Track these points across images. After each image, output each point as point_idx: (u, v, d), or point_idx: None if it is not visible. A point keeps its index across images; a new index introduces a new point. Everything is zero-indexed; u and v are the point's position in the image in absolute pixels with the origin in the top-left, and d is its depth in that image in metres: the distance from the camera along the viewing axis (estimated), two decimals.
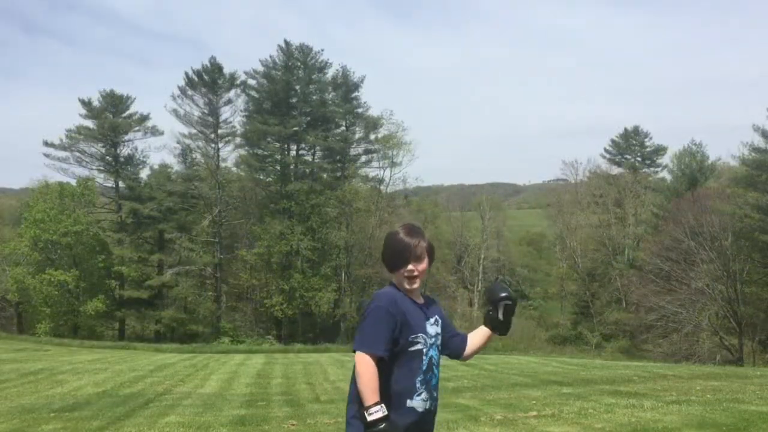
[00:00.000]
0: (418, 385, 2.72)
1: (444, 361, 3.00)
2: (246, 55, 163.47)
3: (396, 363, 2.70)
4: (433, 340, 2.83)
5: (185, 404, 11.27)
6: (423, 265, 2.82)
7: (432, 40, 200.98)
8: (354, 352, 2.69)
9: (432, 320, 2.86)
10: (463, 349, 3.04)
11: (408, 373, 2.70)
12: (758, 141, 39.39)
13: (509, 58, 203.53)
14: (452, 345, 3.02)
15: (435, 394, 2.82)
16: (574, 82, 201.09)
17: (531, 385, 13.30)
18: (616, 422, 8.10)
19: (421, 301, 2.89)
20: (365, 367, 2.63)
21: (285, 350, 34.16)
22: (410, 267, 2.78)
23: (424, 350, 2.76)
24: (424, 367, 2.75)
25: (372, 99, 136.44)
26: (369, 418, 2.56)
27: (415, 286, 2.82)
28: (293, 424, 8.55)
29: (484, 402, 10.58)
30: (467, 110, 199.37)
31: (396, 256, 2.80)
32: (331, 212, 45.01)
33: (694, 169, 48.69)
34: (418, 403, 2.72)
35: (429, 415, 2.78)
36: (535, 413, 9.03)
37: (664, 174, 60.15)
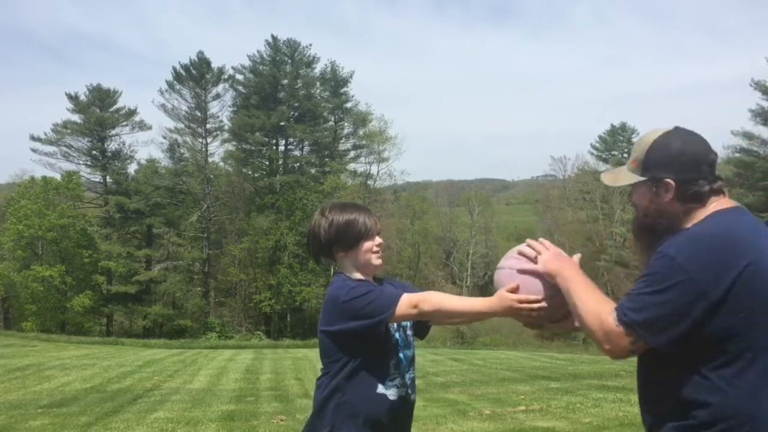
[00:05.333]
0: (392, 369, 2.41)
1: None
2: (234, 50, 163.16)
3: (364, 347, 2.39)
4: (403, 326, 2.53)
5: (174, 400, 11.26)
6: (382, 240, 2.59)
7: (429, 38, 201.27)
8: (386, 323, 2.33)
9: None
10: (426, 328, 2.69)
11: (377, 356, 2.40)
12: (741, 139, 39.66)
13: (508, 59, 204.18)
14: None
15: (407, 381, 2.47)
16: (567, 85, 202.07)
17: (519, 380, 13.37)
18: (603, 417, 8.17)
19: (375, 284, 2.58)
20: (430, 295, 2.37)
21: (274, 345, 34.13)
22: (378, 240, 2.52)
23: (391, 329, 2.46)
24: (391, 349, 2.45)
25: (362, 93, 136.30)
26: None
27: (381, 261, 2.55)
28: (282, 419, 8.56)
29: (472, 397, 10.63)
30: (457, 107, 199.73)
31: (361, 229, 2.49)
32: (312, 206, 44.49)
33: None
34: (390, 389, 2.40)
35: (405, 404, 2.46)
36: (523, 408, 9.09)
37: None
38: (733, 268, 1.78)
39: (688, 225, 1.94)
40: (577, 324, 2.06)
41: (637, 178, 2.03)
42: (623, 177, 2.08)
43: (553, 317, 2.16)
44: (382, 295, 2.36)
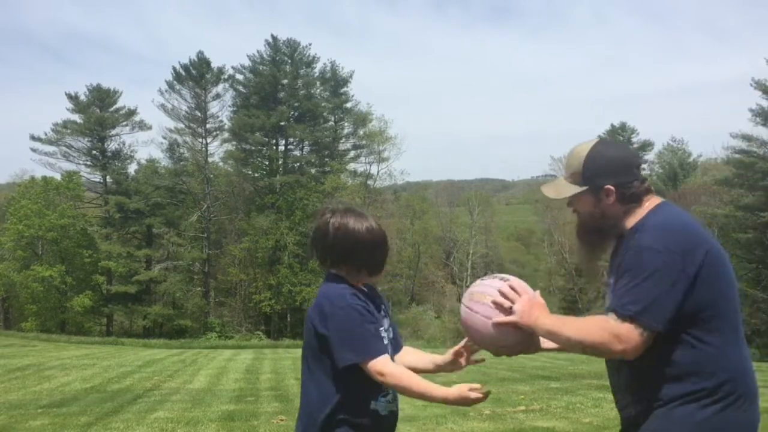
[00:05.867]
0: (384, 386, 2.36)
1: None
2: (234, 50, 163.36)
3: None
4: (385, 333, 2.46)
5: (174, 400, 11.25)
6: None
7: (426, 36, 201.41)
8: (358, 364, 2.28)
9: (383, 312, 2.50)
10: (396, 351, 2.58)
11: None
12: (741, 141, 39.68)
13: (508, 59, 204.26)
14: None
15: (396, 395, 2.47)
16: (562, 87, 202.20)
17: (519, 380, 13.36)
18: (603, 416, 8.17)
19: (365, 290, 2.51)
20: (399, 371, 2.31)
21: (274, 345, 34.14)
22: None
23: (388, 346, 2.42)
24: None
25: (362, 93, 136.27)
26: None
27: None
28: (282, 419, 8.56)
29: None
30: (456, 107, 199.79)
31: (381, 248, 2.45)
32: (313, 206, 44.34)
33: (675, 166, 48.90)
34: (381, 405, 2.38)
35: (393, 418, 2.46)
36: (523, 408, 9.09)
37: (648, 170, 60.76)
38: (700, 248, 2.01)
39: (631, 222, 2.15)
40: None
41: (579, 189, 2.21)
42: (566, 189, 2.26)
43: (519, 352, 2.34)
44: (371, 338, 2.31)
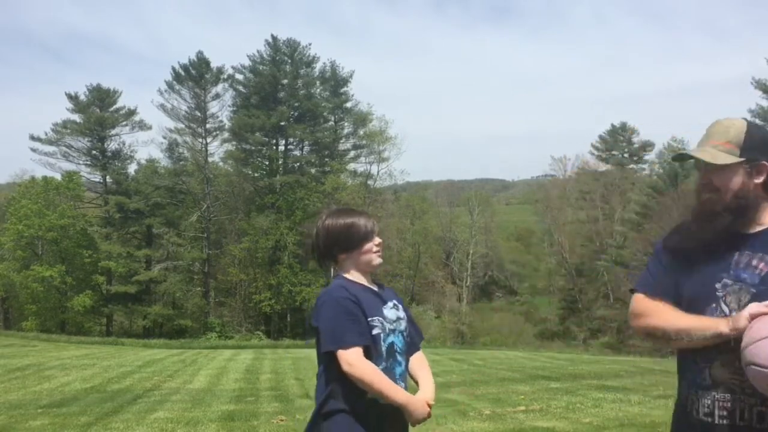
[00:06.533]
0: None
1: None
2: (234, 50, 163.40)
3: None
4: (394, 325, 2.57)
5: (174, 400, 11.24)
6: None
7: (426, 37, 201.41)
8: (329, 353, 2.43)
9: (390, 304, 2.61)
10: (413, 348, 2.72)
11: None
12: None
13: (508, 59, 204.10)
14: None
15: (403, 385, 2.54)
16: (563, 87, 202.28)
17: (519, 380, 13.35)
18: (603, 417, 8.17)
19: (374, 287, 2.65)
20: (364, 365, 2.40)
21: (274, 345, 34.08)
22: (377, 240, 2.62)
23: (382, 335, 2.50)
24: (384, 354, 2.49)
25: (362, 93, 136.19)
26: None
27: (381, 260, 2.64)
28: (282, 419, 8.55)
29: (472, 397, 10.62)
30: (457, 107, 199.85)
31: (362, 230, 2.60)
32: (313, 206, 44.35)
33: (676, 166, 48.84)
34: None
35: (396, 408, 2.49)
36: (523, 408, 9.08)
37: (648, 170, 60.73)
38: None
39: None
40: None
41: (737, 159, 2.05)
42: (723, 157, 2.06)
43: None
44: (347, 329, 2.43)
